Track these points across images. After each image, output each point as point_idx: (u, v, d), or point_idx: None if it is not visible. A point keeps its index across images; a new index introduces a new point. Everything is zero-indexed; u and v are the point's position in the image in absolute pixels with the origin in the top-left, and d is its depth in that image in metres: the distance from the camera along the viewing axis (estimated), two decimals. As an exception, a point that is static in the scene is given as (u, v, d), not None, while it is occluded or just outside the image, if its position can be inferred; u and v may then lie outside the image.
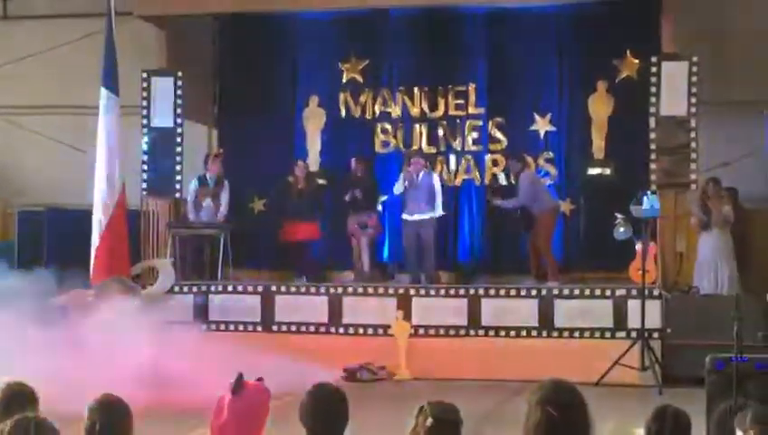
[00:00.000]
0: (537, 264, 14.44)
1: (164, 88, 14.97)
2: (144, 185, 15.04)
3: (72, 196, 15.80)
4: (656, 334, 12.77)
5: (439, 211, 14.56)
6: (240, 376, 4.80)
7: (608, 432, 8.91)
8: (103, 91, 14.09)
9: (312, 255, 15.45)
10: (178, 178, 15.06)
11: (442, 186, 14.92)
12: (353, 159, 15.23)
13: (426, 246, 14.50)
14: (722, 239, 13.62)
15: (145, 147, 15.06)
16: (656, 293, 12.98)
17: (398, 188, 14.65)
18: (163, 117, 15.02)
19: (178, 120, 15.05)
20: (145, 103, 15.05)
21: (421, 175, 14.54)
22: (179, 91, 14.99)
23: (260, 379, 4.95)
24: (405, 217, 14.60)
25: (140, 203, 15.10)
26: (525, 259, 14.65)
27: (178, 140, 15.05)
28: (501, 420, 9.72)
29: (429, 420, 4.25)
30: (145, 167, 15.06)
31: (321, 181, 15.81)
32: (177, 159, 15.02)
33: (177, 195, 15.19)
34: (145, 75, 15.06)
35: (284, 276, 15.02)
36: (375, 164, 15.91)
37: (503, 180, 15.55)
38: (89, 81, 14.73)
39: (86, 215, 14.10)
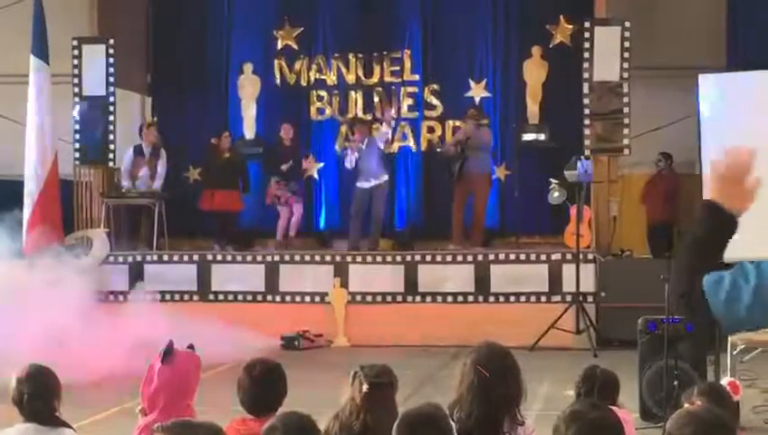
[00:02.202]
0: (460, 228, 14.40)
1: (95, 56, 14.76)
2: (77, 154, 14.85)
3: (3, 166, 15.55)
4: (590, 298, 12.93)
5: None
6: (170, 344, 4.78)
7: (542, 395, 9.02)
8: (33, 60, 13.90)
9: (241, 224, 15.39)
10: (112, 147, 14.89)
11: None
12: (283, 126, 15.13)
13: (377, 214, 14.52)
14: None
15: (77, 116, 14.85)
16: (590, 257, 13.12)
17: (350, 162, 14.55)
18: (95, 85, 14.82)
19: (111, 89, 14.86)
20: (76, 72, 14.83)
21: (366, 141, 14.52)
22: (111, 60, 14.79)
23: (191, 346, 4.93)
24: (360, 184, 14.54)
25: (73, 173, 14.91)
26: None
27: (111, 108, 14.87)
28: (438, 384, 9.78)
29: (365, 387, 4.27)
30: (77, 136, 14.86)
31: (254, 150, 15.70)
32: (110, 127, 14.85)
33: (111, 164, 15.03)
34: (76, 43, 14.83)
35: (214, 246, 14.92)
36: (311, 131, 15.85)
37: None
38: (20, 49, 14.47)
39: (18, 185, 13.91)
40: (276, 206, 15.02)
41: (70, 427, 4.65)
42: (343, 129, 15.77)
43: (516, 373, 4.34)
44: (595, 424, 3.17)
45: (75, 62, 14.82)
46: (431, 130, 15.74)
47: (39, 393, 4.55)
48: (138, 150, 15.00)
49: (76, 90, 14.85)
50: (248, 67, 16.10)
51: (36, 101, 13.84)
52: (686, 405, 4.38)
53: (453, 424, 4.22)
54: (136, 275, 14.03)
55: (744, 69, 13.33)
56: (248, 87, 16.15)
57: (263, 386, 4.62)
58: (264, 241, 15.41)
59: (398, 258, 13.77)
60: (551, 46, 15.22)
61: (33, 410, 4.53)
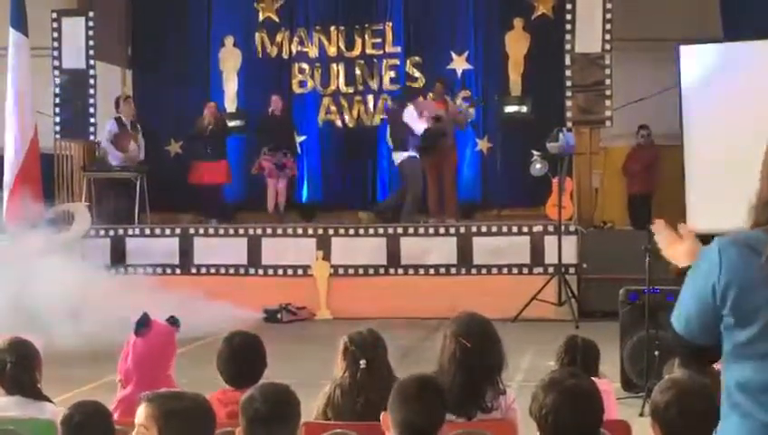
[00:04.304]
0: (438, 203, 14.39)
1: (75, 29, 14.67)
2: (57, 128, 14.78)
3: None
4: (572, 269, 12.97)
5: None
6: (144, 317, 4.78)
7: (524, 366, 9.07)
8: (12, 32, 13.79)
9: (224, 197, 15.36)
10: (92, 120, 14.84)
11: (361, 126, 15.04)
12: (273, 97, 15.07)
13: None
14: None
15: (57, 89, 14.78)
16: (572, 228, 13.16)
17: (422, 126, 14.09)
18: (75, 58, 14.74)
19: (91, 62, 14.79)
20: (56, 45, 14.74)
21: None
22: (91, 32, 14.70)
23: (172, 318, 4.93)
24: (415, 155, 14.15)
25: (54, 146, 14.84)
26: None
27: (91, 81, 14.80)
28: (420, 356, 9.81)
29: (362, 363, 4.34)
30: (57, 110, 14.79)
31: (236, 123, 15.66)
32: (91, 101, 14.80)
33: (92, 138, 14.97)
34: (55, 15, 14.74)
35: (198, 220, 14.90)
36: (293, 104, 15.81)
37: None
38: (-2, 21, 14.37)
39: (-2, 159, 13.88)
40: (265, 177, 14.94)
41: (51, 401, 4.65)
42: (326, 101, 15.75)
43: (497, 342, 4.37)
44: (573, 392, 3.21)
45: (55, 34, 14.73)
46: (413, 102, 15.69)
47: (21, 363, 4.55)
48: (120, 123, 14.92)
49: (56, 63, 14.77)
50: (229, 40, 16.03)
51: (15, 73, 13.76)
52: (667, 375, 4.43)
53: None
54: (118, 249, 14.01)
55: (734, 39, 13.36)
56: (229, 60, 16.08)
57: (242, 357, 4.64)
58: (247, 214, 15.37)
59: (381, 231, 13.78)
60: (533, 18, 15.19)
61: (15, 380, 4.52)
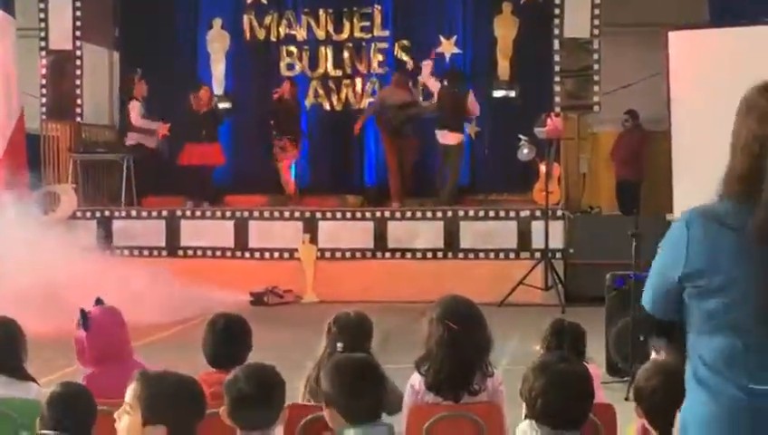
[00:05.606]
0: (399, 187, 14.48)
1: (62, 9, 14.60)
2: (44, 109, 14.73)
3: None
4: (559, 254, 12.99)
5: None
6: (82, 312, 4.75)
7: (510, 350, 9.08)
8: (-2, 13, 13.72)
9: (214, 180, 15.32)
10: (79, 102, 14.79)
11: (349, 110, 14.99)
12: (284, 83, 15.05)
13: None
14: None
15: (43, 70, 14.72)
16: (559, 213, 13.17)
17: None
18: (61, 39, 14.68)
19: (78, 43, 14.73)
20: (42, 25, 14.67)
21: None
22: (78, 13, 14.64)
23: (99, 300, 4.90)
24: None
25: (40, 127, 14.78)
26: (431, 181, 14.65)
27: (78, 63, 14.74)
28: (406, 340, 9.80)
29: (339, 346, 4.34)
30: (44, 91, 14.74)
31: (225, 105, 15.62)
32: (77, 82, 14.74)
33: (78, 119, 14.92)
34: (42, -4, 14.67)
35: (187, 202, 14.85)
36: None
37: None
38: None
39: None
40: (277, 162, 14.92)
41: (35, 381, 4.63)
42: (314, 84, 15.71)
43: (483, 323, 4.37)
44: (564, 375, 3.21)
45: (41, 15, 14.66)
46: (401, 85, 15.66)
47: (7, 343, 4.53)
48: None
49: (42, 44, 14.71)
50: (217, 22, 15.97)
51: (1, 54, 13.68)
52: (654, 354, 4.44)
53: (421, 377, 4.26)
54: (104, 230, 13.98)
55: (721, 25, 13.35)
56: (217, 43, 16.02)
57: (225, 340, 4.64)
58: (236, 197, 15.33)
59: (368, 214, 13.77)
60: (521, 2, 15.14)
61: (1, 360, 4.51)
